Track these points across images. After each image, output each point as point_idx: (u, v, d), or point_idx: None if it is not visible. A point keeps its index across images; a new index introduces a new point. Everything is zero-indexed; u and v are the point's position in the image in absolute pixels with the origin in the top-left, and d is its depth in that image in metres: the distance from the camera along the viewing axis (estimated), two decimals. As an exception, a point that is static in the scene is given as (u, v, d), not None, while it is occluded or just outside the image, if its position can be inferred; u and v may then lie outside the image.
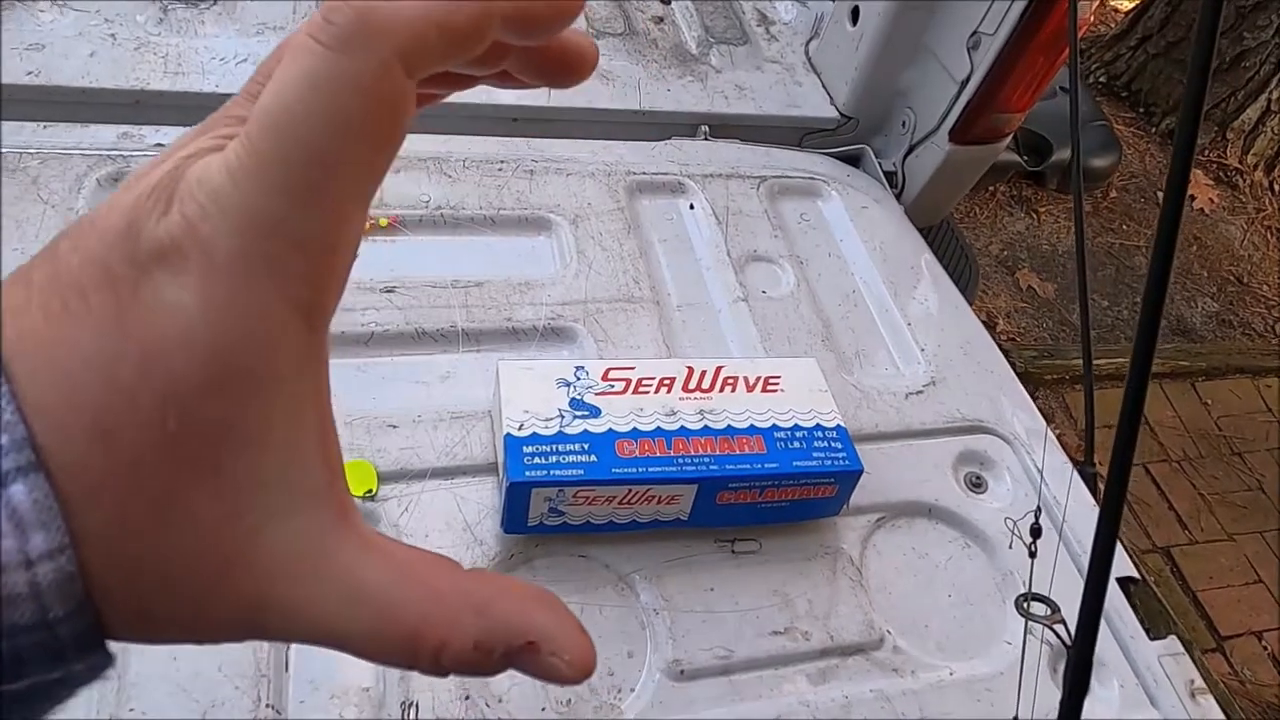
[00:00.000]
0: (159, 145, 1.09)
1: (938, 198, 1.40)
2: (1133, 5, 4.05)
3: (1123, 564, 0.93)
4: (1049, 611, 0.58)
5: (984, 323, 3.17)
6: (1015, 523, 0.84)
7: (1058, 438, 2.93)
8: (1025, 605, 0.59)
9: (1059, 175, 3.36)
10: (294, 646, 0.74)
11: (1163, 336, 3.33)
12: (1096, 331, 3.13)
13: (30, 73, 1.14)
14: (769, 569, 0.86)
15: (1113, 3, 4.51)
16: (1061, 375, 2.87)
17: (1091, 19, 1.22)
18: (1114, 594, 0.91)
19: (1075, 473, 0.98)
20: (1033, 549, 0.59)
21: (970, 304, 1.27)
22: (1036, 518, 0.59)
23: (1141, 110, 3.83)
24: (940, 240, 1.56)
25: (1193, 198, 3.64)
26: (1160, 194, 3.64)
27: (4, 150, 1.04)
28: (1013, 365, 1.14)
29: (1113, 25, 4.15)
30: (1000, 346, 2.87)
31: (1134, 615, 0.89)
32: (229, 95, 1.00)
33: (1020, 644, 0.69)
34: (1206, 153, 3.78)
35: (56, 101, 1.13)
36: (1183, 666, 0.85)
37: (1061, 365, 2.89)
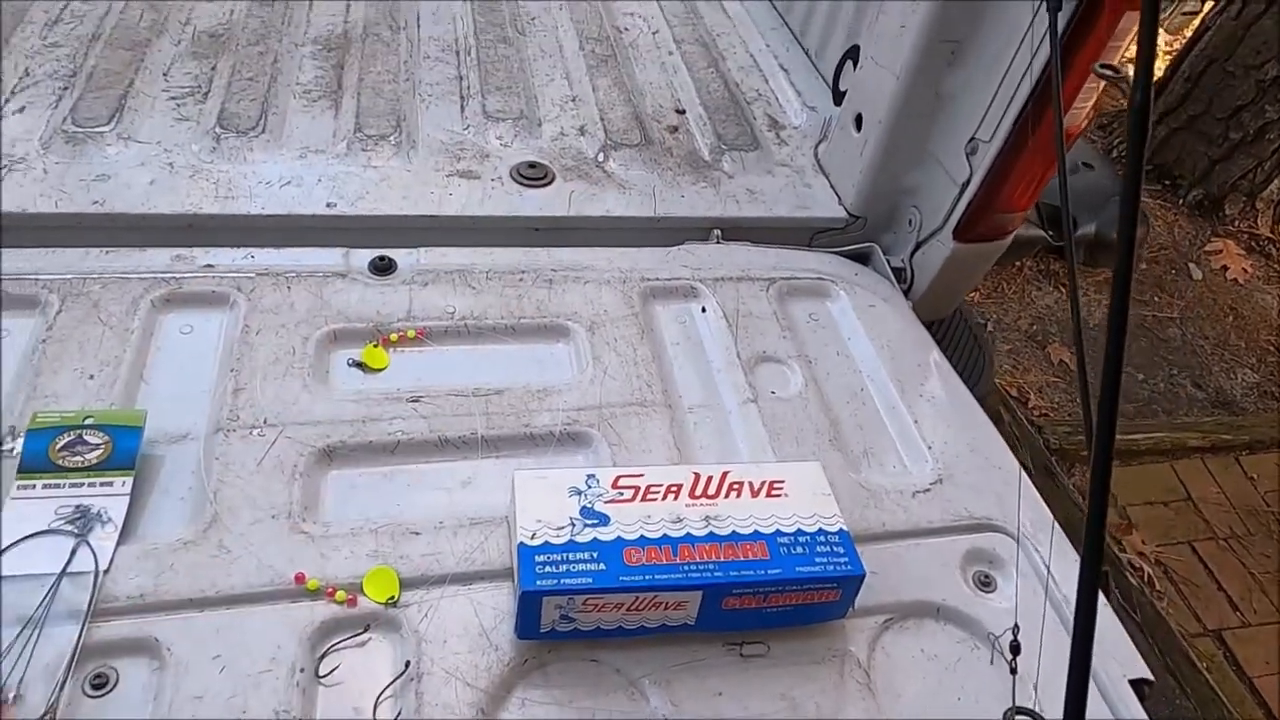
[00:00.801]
0: (208, 266, 1.19)
1: (946, 292, 1.44)
2: (1153, 80, 4.11)
3: (1136, 665, 0.93)
4: (1036, 726, 0.59)
5: (1015, 398, 3.13)
6: (996, 639, 0.85)
7: (1095, 517, 2.85)
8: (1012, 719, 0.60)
9: (1085, 249, 3.38)
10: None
11: (1203, 409, 3.26)
12: (1133, 406, 3.09)
13: (96, 202, 1.25)
14: (777, 672, 0.88)
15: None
16: (1098, 451, 2.82)
17: (1085, 125, 1.27)
18: (1127, 695, 0.90)
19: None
20: (1013, 665, 0.60)
21: (984, 392, 1.29)
22: (1015, 635, 0.61)
23: (1167, 183, 3.85)
24: (952, 329, 1.59)
25: (1225, 268, 3.62)
26: (1191, 265, 3.63)
27: (70, 276, 1.14)
28: (1046, 442, 1.15)
29: (1124, 85, 4.20)
30: (1033, 423, 2.83)
31: (1146, 718, 0.88)
32: (274, 217, 1.12)
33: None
34: (1236, 223, 3.77)
35: (119, 228, 1.24)
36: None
37: (1097, 441, 2.84)
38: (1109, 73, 0.56)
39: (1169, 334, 3.39)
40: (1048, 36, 1.09)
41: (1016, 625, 0.65)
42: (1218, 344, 3.40)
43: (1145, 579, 2.52)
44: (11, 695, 0.76)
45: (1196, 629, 2.49)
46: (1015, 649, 0.61)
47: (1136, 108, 0.43)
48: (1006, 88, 1.21)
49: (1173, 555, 2.61)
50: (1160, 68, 4.40)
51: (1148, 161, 3.87)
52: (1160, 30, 3.66)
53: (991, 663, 0.63)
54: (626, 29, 1.87)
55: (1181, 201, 3.82)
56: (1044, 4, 1.09)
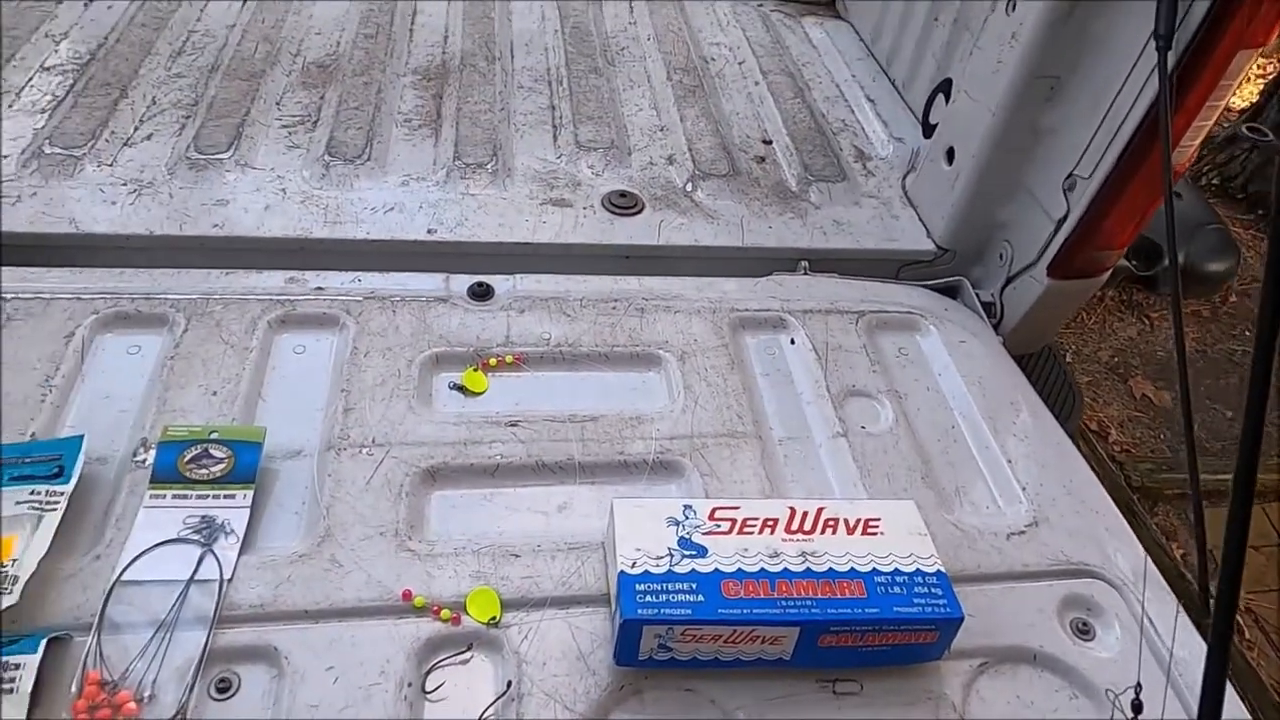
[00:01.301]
0: (319, 289, 1.24)
1: (1037, 328, 1.42)
2: (1245, 105, 3.98)
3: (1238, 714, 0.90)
4: (1154, 787, 0.58)
5: (1095, 432, 3.04)
6: (1116, 695, 0.84)
7: (1181, 558, 2.76)
8: (1130, 780, 0.59)
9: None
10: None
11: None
12: (1221, 444, 2.98)
13: (215, 225, 1.33)
14: (870, 712, 0.88)
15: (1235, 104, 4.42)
16: (1183, 489, 2.73)
17: (1188, 163, 1.25)
18: (1236, 757, 0.88)
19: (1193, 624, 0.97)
20: (1135, 726, 0.60)
21: (1074, 431, 1.27)
22: (1137, 694, 0.60)
23: (1260, 212, 3.71)
24: (1041, 366, 1.56)
25: (1323, 302, 3.46)
26: (1286, 298, 3.49)
27: (195, 296, 1.21)
28: (1128, 479, 1.12)
29: (1224, 126, 4.07)
30: (1114, 459, 2.76)
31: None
32: (378, 242, 1.18)
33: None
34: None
35: (237, 249, 1.31)
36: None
37: (1183, 478, 2.74)
38: (1254, 136, 0.56)
39: (1265, 371, 3.26)
40: (1156, 73, 1.08)
41: (1139, 684, 0.64)
42: (1309, 382, 3.25)
43: (1235, 627, 2.42)
44: (146, 695, 0.81)
45: (1291, 682, 2.37)
46: (1137, 708, 0.60)
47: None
48: (1110, 125, 1.19)
49: (1264, 603, 2.50)
50: (1253, 91, 4.24)
51: (1240, 189, 3.75)
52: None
53: (1106, 706, 0.62)
54: (713, 59, 1.89)
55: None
56: (1153, 41, 1.08)
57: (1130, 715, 0.60)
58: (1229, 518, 0.44)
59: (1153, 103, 1.12)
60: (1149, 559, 1.03)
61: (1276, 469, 2.83)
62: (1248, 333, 3.39)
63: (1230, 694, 0.91)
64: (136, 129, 1.47)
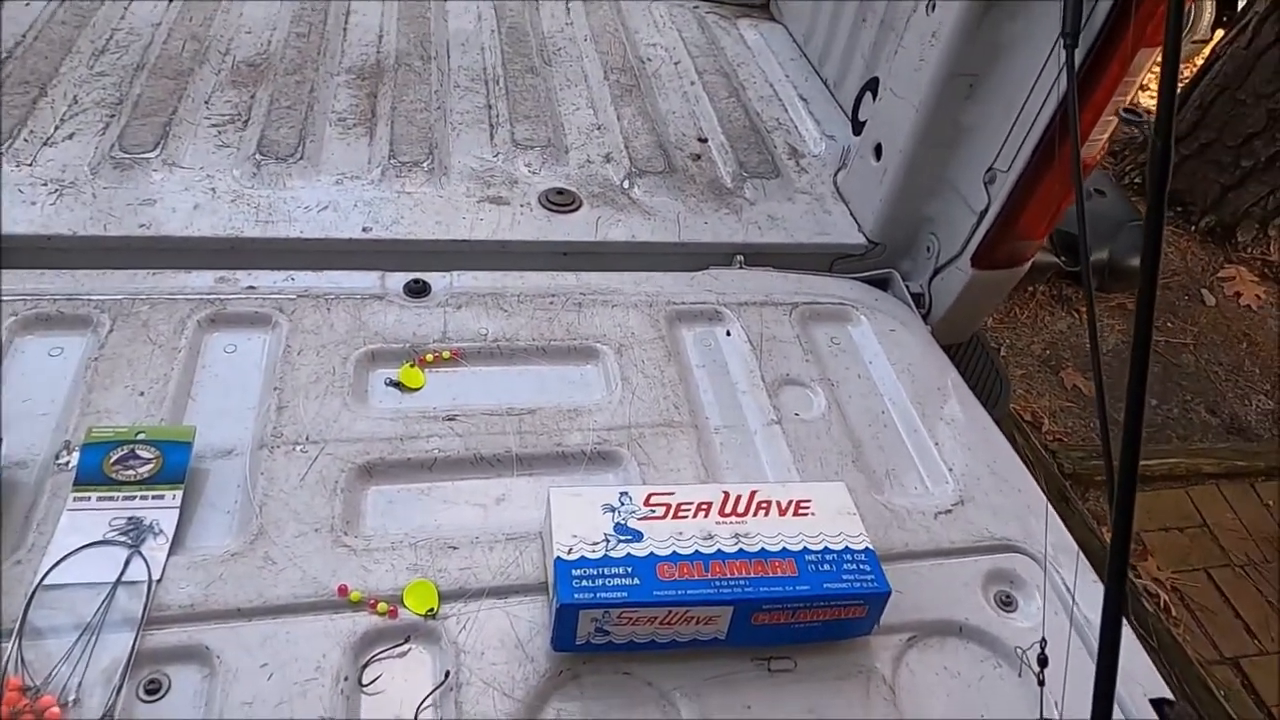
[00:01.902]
0: (250, 287, 1.23)
1: (964, 318, 1.47)
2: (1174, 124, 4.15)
3: (1156, 684, 0.95)
4: (1062, 739, 0.61)
5: (1029, 423, 3.14)
6: (1024, 651, 0.87)
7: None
8: (1037, 732, 0.62)
9: (1099, 274, 3.40)
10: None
11: (1217, 435, 3.26)
12: (1147, 431, 3.09)
13: (142, 225, 1.30)
14: (804, 688, 0.90)
15: (1146, 103, 4.62)
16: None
17: (1099, 157, 1.31)
18: (1148, 715, 0.92)
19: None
20: (1041, 678, 0.63)
21: (1002, 417, 1.32)
22: (1042, 649, 0.63)
23: (1179, 209, 3.88)
24: (970, 355, 1.62)
25: (1238, 295, 3.64)
26: (1204, 291, 3.65)
27: (120, 296, 1.18)
28: (1060, 467, 1.17)
29: (1145, 128, 4.25)
30: (1047, 448, 2.85)
31: (1168, 738, 0.90)
32: (312, 240, 1.17)
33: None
34: (1249, 250, 3.79)
35: (164, 250, 1.28)
36: (1220, 792, 0.86)
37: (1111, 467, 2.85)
38: (1131, 117, 0.59)
39: (1183, 360, 3.41)
40: (1065, 71, 1.13)
41: (1044, 639, 0.67)
42: (1232, 370, 3.41)
43: (1161, 605, 2.52)
44: (70, 699, 0.80)
45: (1213, 656, 2.48)
46: (1043, 662, 0.63)
47: (1158, 152, 0.46)
48: (1024, 120, 1.24)
49: (1189, 582, 2.61)
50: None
51: (1160, 188, 3.91)
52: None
53: (1020, 675, 0.65)
54: (649, 59, 1.92)
55: (1194, 228, 3.85)
56: (1061, 40, 1.13)
57: (1037, 669, 0.63)
58: (1120, 459, 0.47)
59: (1062, 99, 1.18)
60: (1068, 531, 1.07)
61: (1204, 454, 2.96)
62: (1170, 324, 3.54)
63: (1128, 634, 0.95)
64: (57, 128, 1.43)
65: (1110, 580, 0.47)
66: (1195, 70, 3.99)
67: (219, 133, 1.49)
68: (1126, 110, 0.60)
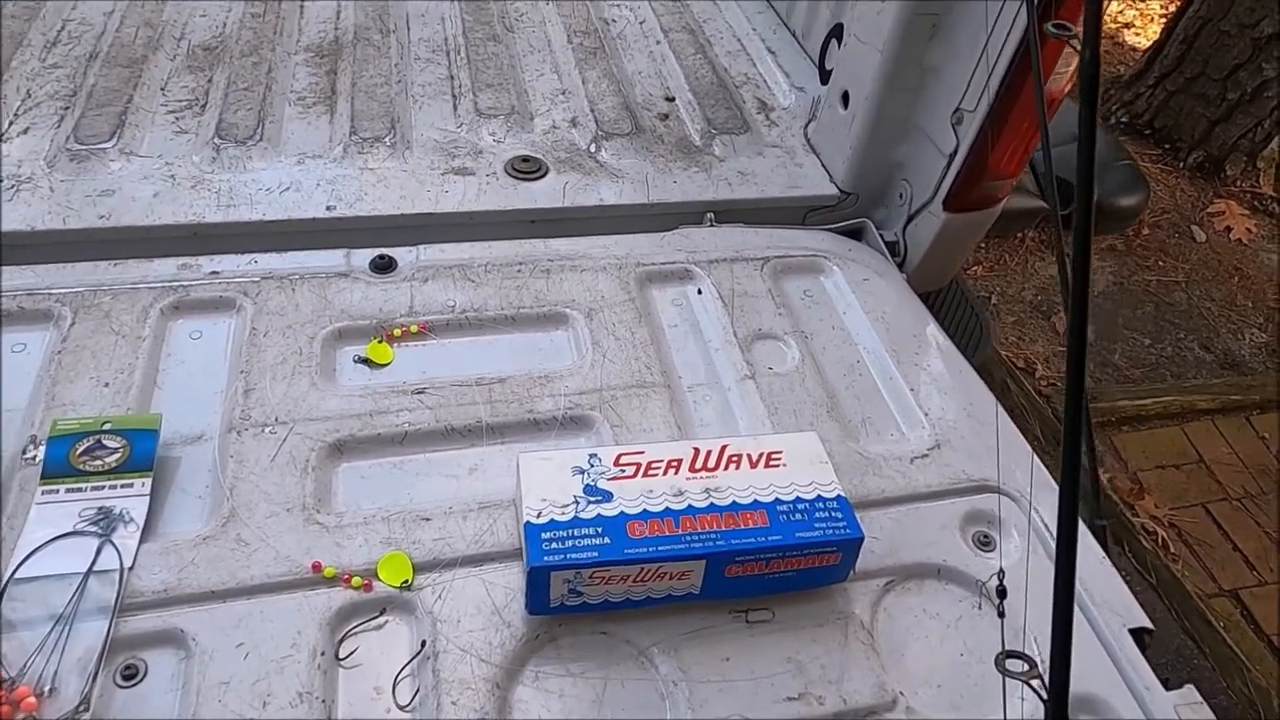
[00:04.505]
0: (214, 273, 1.22)
1: (940, 263, 1.45)
2: (1149, 44, 4.09)
3: (1135, 614, 0.95)
4: (1027, 668, 0.61)
5: (1022, 369, 3.13)
6: (983, 584, 0.87)
7: (1109, 481, 2.85)
8: (1002, 663, 0.62)
9: (1085, 217, 3.37)
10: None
11: (1211, 370, 3.24)
12: (1141, 371, 3.09)
13: (102, 216, 1.28)
14: (782, 636, 0.90)
15: (1130, 41, 4.55)
16: (1107, 418, 2.83)
17: (1067, 89, 1.29)
18: (1128, 645, 0.92)
19: (1085, 525, 1.01)
20: (1001, 609, 0.63)
21: (984, 360, 1.31)
22: (1000, 579, 0.63)
23: (1167, 147, 3.83)
24: (949, 301, 1.60)
25: (1229, 229, 3.61)
26: (1194, 228, 3.62)
27: (81, 289, 1.17)
28: (1054, 412, 1.16)
29: (1129, 65, 4.19)
30: (1040, 393, 2.83)
31: (1148, 666, 0.90)
32: (275, 222, 1.15)
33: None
34: (1238, 183, 3.76)
35: (125, 240, 1.27)
36: (1201, 716, 0.86)
37: (1106, 408, 2.85)
38: (1059, 31, 0.58)
39: (1175, 298, 3.39)
40: (1025, 3, 1.11)
41: (1002, 570, 0.67)
42: (1224, 305, 3.39)
43: (1159, 543, 2.53)
44: (47, 689, 0.80)
45: (1213, 589, 2.49)
46: (1002, 593, 0.63)
47: (1087, 63, 0.45)
48: (987, 57, 1.22)
49: (1186, 518, 2.61)
50: (1155, 31, 4.38)
51: (1147, 125, 3.87)
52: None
53: (1000, 615, 0.65)
54: (614, 20, 1.88)
55: (1182, 165, 3.81)
56: (1019, -28, 1.11)
57: (996, 600, 0.63)
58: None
59: (1024, 33, 1.15)
60: (1042, 465, 1.07)
61: (1199, 391, 2.96)
62: (1161, 263, 3.52)
63: (1107, 567, 0.95)
64: (11, 123, 1.41)
65: (1064, 477, 0.47)
66: (1179, 4, 3.92)
67: (176, 119, 1.47)
68: (1055, 24, 0.58)
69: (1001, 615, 0.61)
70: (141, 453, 0.97)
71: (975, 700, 0.88)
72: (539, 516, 0.88)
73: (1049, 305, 3.30)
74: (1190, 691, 0.89)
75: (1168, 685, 0.89)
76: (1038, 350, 3.12)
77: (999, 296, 3.32)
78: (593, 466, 0.93)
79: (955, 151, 1.32)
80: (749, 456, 0.95)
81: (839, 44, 1.55)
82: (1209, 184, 3.80)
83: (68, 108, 1.46)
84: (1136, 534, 2.52)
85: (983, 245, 3.38)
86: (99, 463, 0.96)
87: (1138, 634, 0.93)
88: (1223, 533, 2.63)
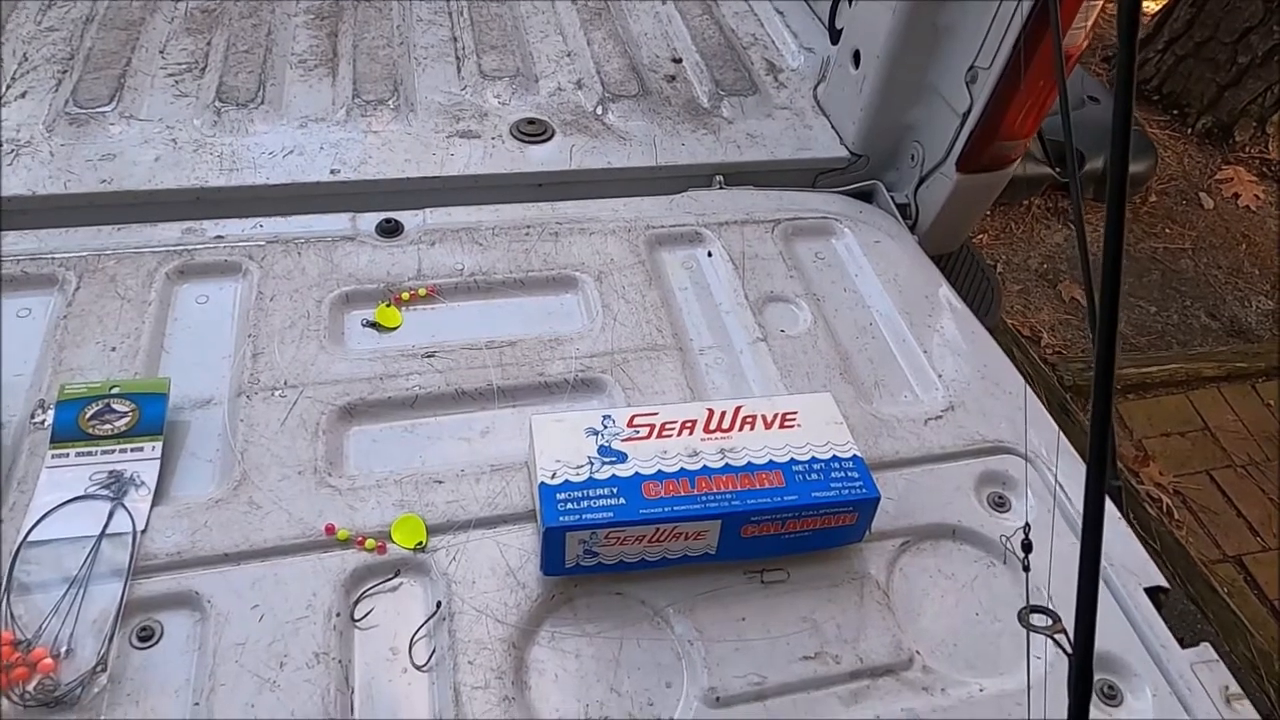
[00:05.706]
0: (219, 237, 1.20)
1: (952, 225, 1.43)
2: (1158, 8, 4.03)
3: (1151, 574, 0.95)
4: (1050, 622, 0.61)
5: (1028, 337, 3.12)
6: (1008, 539, 0.87)
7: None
8: (1026, 617, 0.62)
9: (1093, 184, 3.34)
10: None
11: (1217, 338, 3.24)
12: (1146, 338, 3.08)
13: (104, 181, 1.26)
14: (798, 597, 0.90)
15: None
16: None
17: (1084, 45, 1.26)
18: (1144, 604, 0.92)
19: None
20: (1025, 564, 0.62)
21: (993, 325, 1.30)
22: (1025, 534, 0.63)
23: (1175, 112, 3.79)
24: (960, 265, 1.59)
25: (1237, 195, 3.58)
26: (1202, 194, 3.59)
27: (85, 254, 1.16)
28: (1061, 380, 1.16)
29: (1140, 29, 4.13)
30: (1047, 361, 2.83)
31: (1164, 624, 0.90)
32: (279, 186, 1.13)
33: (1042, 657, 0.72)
34: (1247, 149, 3.72)
35: (128, 204, 1.25)
36: (1216, 674, 0.86)
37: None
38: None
39: (1181, 265, 3.37)
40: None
41: (1027, 524, 0.66)
42: (1231, 273, 3.37)
43: (1164, 509, 2.53)
44: (63, 650, 0.80)
45: (1216, 555, 2.50)
46: (1027, 547, 0.62)
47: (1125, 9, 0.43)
48: (1004, 12, 1.19)
49: (1191, 485, 2.62)
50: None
51: (1155, 91, 3.82)
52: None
53: (1005, 562, 0.65)
54: (618, -19, 1.85)
55: (1190, 130, 3.77)
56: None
57: (1021, 554, 0.62)
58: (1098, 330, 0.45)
59: (1042, -15, 1.13)
60: (1062, 432, 1.06)
61: (1205, 358, 2.95)
62: (1168, 230, 3.49)
63: (1124, 528, 0.95)
64: (8, 87, 1.39)
65: (1093, 444, 0.46)
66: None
67: (176, 82, 1.45)
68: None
69: (1026, 569, 0.61)
70: (151, 416, 0.96)
71: (991, 659, 0.88)
72: (553, 477, 0.87)
73: (1055, 273, 3.28)
74: (1206, 649, 0.89)
75: (1183, 643, 0.89)
76: (1043, 318, 3.11)
77: (1004, 265, 3.30)
78: (606, 428, 0.92)
79: (969, 110, 1.29)
80: (764, 417, 0.94)
81: (850, 2, 1.52)
82: (1217, 150, 3.76)
83: (65, 71, 1.43)
84: (1141, 500, 2.52)
85: (989, 213, 3.35)
86: (108, 427, 0.95)
87: (1153, 592, 0.93)
88: (1227, 499, 2.63)
